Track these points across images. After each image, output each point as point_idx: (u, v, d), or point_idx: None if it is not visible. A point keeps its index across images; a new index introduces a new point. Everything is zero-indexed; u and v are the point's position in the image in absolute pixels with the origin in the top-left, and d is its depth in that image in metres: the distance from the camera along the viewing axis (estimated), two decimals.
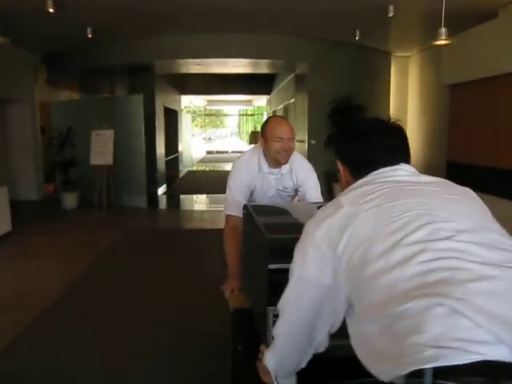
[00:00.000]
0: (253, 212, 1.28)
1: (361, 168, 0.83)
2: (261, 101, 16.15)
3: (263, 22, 4.97)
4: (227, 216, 1.80)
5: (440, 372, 0.51)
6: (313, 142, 1.95)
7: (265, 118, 18.06)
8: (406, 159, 0.83)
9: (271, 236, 0.98)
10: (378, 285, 0.63)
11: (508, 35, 3.65)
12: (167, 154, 8.15)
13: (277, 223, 1.17)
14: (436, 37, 3.39)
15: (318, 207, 0.91)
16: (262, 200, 1.88)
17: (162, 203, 6.85)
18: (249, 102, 17.41)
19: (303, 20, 4.85)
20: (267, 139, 1.76)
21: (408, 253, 0.63)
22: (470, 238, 0.64)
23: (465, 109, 4.45)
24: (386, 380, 0.57)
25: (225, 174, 2.10)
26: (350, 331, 0.72)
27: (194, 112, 18.91)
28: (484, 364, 0.49)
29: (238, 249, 1.66)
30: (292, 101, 7.48)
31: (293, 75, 7.10)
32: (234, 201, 1.79)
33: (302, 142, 5.96)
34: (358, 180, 0.82)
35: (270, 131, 1.76)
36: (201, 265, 3.38)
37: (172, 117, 9.43)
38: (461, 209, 0.72)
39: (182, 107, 12.62)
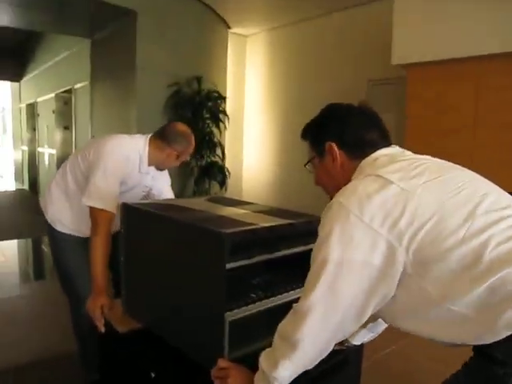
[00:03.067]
0: (153, 210, 1.63)
1: (360, 148, 1.26)
2: None
3: None
4: (100, 211, 2.05)
5: None
6: None
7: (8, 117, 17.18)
8: (391, 143, 1.31)
9: (226, 231, 1.29)
10: (457, 254, 0.98)
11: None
12: None
13: (203, 219, 1.50)
14: None
15: None
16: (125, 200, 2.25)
17: None
18: None
19: None
20: (180, 156, 2.33)
21: (488, 221, 1.00)
22: None
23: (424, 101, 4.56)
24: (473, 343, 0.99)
25: None
26: (398, 310, 1.09)
27: None
28: None
29: (107, 256, 2.01)
30: (81, 85, 7.27)
31: (88, 41, 6.73)
32: (109, 192, 2.10)
33: None
34: (354, 161, 1.25)
35: (185, 149, 2.32)
36: None
37: None
38: (484, 180, 1.17)
39: None
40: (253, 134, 7.53)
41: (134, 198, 2.38)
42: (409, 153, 1.29)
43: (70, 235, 2.43)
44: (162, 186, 2.53)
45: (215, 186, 6.06)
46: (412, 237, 1.02)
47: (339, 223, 1.07)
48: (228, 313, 1.33)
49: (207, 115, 5.84)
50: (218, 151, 6.07)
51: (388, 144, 1.30)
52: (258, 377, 1.21)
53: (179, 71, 5.64)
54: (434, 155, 1.26)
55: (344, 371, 1.61)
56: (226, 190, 6.14)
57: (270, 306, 1.48)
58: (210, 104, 5.86)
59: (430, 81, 4.51)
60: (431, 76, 4.50)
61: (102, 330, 1.83)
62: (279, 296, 1.52)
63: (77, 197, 2.27)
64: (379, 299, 1.07)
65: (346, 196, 1.11)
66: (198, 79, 5.77)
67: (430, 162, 1.20)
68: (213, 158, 6.02)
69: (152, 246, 1.62)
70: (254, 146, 7.51)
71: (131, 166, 2.26)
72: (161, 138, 2.31)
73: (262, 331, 1.51)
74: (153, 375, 1.56)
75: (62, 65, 8.42)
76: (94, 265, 2.01)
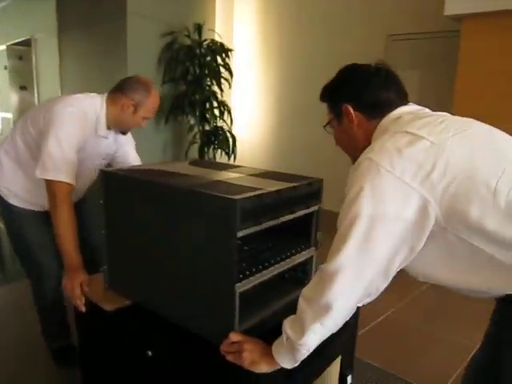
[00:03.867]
0: (140, 176, 1.65)
1: (377, 108, 1.36)
2: None
3: None
4: (58, 183, 2.03)
5: None
6: None
7: None
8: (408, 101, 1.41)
9: (237, 197, 1.31)
10: (494, 203, 1.10)
11: None
12: None
13: (201, 184, 1.52)
14: None
15: None
16: (82, 171, 2.23)
17: None
18: None
19: None
20: (138, 107, 2.24)
21: None
22: None
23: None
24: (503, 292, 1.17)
25: None
26: (435, 257, 1.21)
27: None
28: None
29: (75, 230, 2.02)
30: (44, 35, 6.75)
31: None
32: (66, 161, 2.06)
33: None
34: (372, 121, 1.36)
35: (149, 102, 2.27)
36: None
37: None
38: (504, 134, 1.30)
39: None
40: (243, 92, 7.31)
41: (92, 167, 2.34)
42: (428, 110, 1.40)
43: (27, 209, 2.40)
44: (126, 151, 2.51)
45: (219, 154, 5.85)
46: (445, 189, 1.12)
47: (370, 179, 1.16)
48: (237, 284, 1.37)
49: (206, 71, 5.59)
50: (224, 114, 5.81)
51: (405, 103, 1.41)
52: (279, 346, 1.29)
53: (172, 18, 5.34)
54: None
55: (343, 334, 1.69)
56: (234, 159, 5.91)
57: (276, 272, 1.56)
58: (209, 58, 5.58)
59: (491, 34, 4.38)
60: (492, 29, 4.36)
61: (83, 309, 1.85)
62: (282, 262, 1.60)
63: (31, 166, 2.21)
64: (407, 253, 1.18)
65: (376, 152, 1.20)
66: (199, 27, 5.38)
67: (451, 117, 1.32)
68: (215, 122, 5.79)
69: (142, 215, 1.62)
70: (245, 108, 7.34)
71: (88, 129, 2.21)
72: (117, 89, 2.29)
73: (267, 298, 1.62)
74: (150, 354, 1.60)
75: (14, 10, 7.83)
76: (64, 242, 2.03)
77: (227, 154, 5.82)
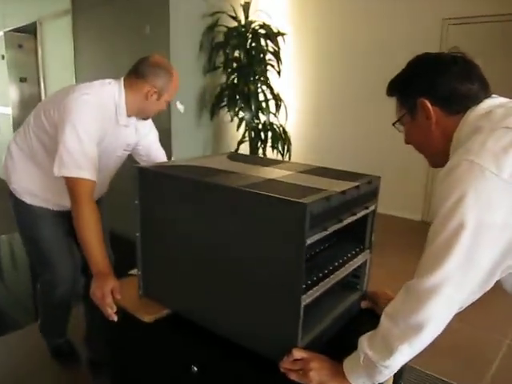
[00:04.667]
0: (186, 173, 1.54)
1: (457, 102, 1.26)
2: None
3: None
4: (78, 180, 1.93)
5: None
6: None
7: None
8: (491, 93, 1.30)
9: (306, 200, 1.20)
10: None
11: None
12: None
13: (254, 184, 1.40)
14: None
15: None
16: (103, 165, 2.12)
17: None
18: None
19: None
20: (162, 93, 2.15)
21: None
22: None
23: None
24: None
25: None
26: None
27: None
28: None
29: (101, 231, 1.93)
30: (51, 18, 6.21)
31: None
32: (85, 155, 1.95)
33: None
34: (453, 117, 1.25)
35: (172, 86, 2.17)
36: None
37: None
38: None
39: None
40: (287, 82, 6.72)
41: (114, 160, 2.29)
42: None
43: (42, 208, 2.31)
44: (149, 142, 2.43)
45: (274, 153, 5.39)
46: None
47: (472, 183, 1.06)
48: (303, 295, 1.28)
49: (257, 58, 5.01)
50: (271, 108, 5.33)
51: (489, 95, 1.30)
52: (353, 364, 1.23)
53: None
54: None
55: None
56: (289, 159, 5.32)
57: (337, 279, 1.48)
58: (257, 43, 5.01)
59: None
60: None
61: (115, 318, 1.74)
62: (342, 268, 1.52)
63: (48, 162, 2.11)
64: (510, 263, 1.10)
65: (475, 152, 1.10)
66: (246, 6, 4.89)
67: None
68: (264, 117, 5.26)
69: (186, 217, 1.52)
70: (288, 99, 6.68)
71: (107, 118, 2.11)
72: (136, 75, 2.17)
73: (324, 308, 1.55)
74: (195, 369, 1.51)
75: None
76: (88, 245, 1.91)
77: (281, 153, 5.36)
